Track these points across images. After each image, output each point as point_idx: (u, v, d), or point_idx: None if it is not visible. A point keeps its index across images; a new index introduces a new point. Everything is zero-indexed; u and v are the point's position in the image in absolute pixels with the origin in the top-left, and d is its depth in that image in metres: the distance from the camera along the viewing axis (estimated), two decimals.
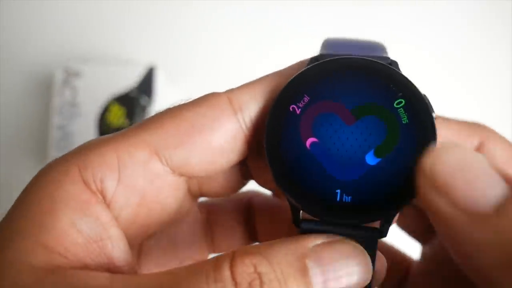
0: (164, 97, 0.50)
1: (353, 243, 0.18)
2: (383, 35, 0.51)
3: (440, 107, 0.22)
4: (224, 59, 0.53)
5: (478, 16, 0.52)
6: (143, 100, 0.49)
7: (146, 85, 0.49)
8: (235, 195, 0.27)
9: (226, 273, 0.16)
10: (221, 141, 0.20)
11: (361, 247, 0.18)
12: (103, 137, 0.21)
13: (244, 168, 0.24)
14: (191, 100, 0.21)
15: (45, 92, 0.53)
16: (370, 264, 0.18)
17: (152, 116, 0.21)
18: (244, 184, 0.26)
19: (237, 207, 0.27)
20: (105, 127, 0.48)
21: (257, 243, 0.18)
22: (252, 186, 0.26)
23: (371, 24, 0.53)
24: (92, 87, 0.49)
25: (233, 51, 0.53)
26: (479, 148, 0.21)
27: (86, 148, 0.20)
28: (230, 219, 0.27)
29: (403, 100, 0.19)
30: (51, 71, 0.51)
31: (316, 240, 0.18)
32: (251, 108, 0.21)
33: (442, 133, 0.20)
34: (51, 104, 0.49)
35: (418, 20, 0.53)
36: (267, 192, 0.27)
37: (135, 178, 0.20)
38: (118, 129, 0.48)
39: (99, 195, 0.19)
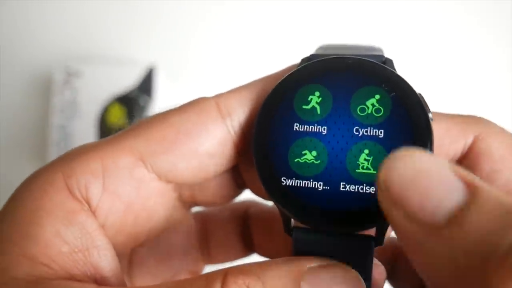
0: (164, 97, 0.50)
1: (349, 267, 0.18)
2: (385, 32, 0.51)
3: (440, 105, 0.22)
4: (224, 59, 0.53)
5: (478, 13, 0.52)
6: (143, 100, 0.49)
7: (146, 85, 0.49)
8: (231, 205, 0.27)
9: None
10: (208, 147, 0.20)
11: (356, 273, 0.18)
12: (88, 144, 0.20)
13: (237, 176, 0.24)
14: (179, 105, 0.21)
15: (45, 92, 0.53)
16: None
17: (139, 122, 0.20)
18: (239, 193, 0.25)
19: (233, 217, 0.27)
20: (105, 127, 0.48)
21: (250, 262, 0.17)
22: (249, 196, 0.25)
23: (370, 21, 0.53)
24: (92, 87, 0.49)
25: (234, 51, 0.53)
26: (473, 144, 0.20)
27: (71, 156, 0.20)
28: (226, 229, 0.27)
29: None
30: (51, 71, 0.50)
31: (311, 263, 0.17)
32: (239, 113, 0.20)
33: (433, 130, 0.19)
34: (51, 104, 0.49)
35: (417, 17, 0.53)
36: (265, 201, 0.26)
37: (120, 185, 0.19)
38: (118, 129, 0.48)
39: (84, 203, 0.19)
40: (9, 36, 0.54)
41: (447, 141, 0.20)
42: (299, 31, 0.52)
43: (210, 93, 0.22)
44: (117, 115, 0.48)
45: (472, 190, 0.13)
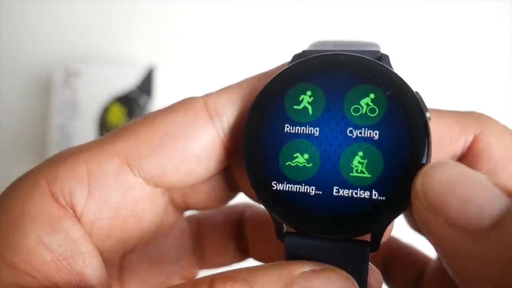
0: (164, 97, 0.50)
1: (343, 272, 0.17)
2: (381, 28, 0.51)
3: (439, 102, 0.21)
4: (224, 59, 0.53)
5: (479, 12, 0.52)
6: (143, 100, 0.49)
7: (146, 85, 0.49)
8: (226, 208, 0.26)
9: None
10: (197, 149, 0.19)
11: (351, 278, 0.17)
12: (74, 147, 0.20)
13: (230, 179, 0.23)
14: (168, 106, 0.20)
15: (45, 92, 0.52)
16: None
17: (126, 124, 0.20)
18: (232, 196, 0.24)
19: (228, 220, 0.26)
20: (105, 127, 0.48)
21: (240, 268, 0.16)
22: (244, 198, 0.25)
23: (366, 17, 0.53)
24: (92, 87, 0.49)
25: (234, 50, 0.53)
26: (473, 143, 0.19)
27: (55, 160, 0.19)
28: (220, 233, 0.26)
29: None
30: (51, 71, 0.50)
31: (303, 267, 0.17)
32: (228, 113, 0.20)
33: (432, 129, 0.18)
34: (51, 104, 0.49)
35: (416, 15, 0.53)
36: (259, 204, 0.25)
37: (106, 190, 0.19)
38: None
39: (69, 209, 0.18)
40: (9, 36, 0.54)
41: (447, 140, 0.19)
42: (299, 30, 0.52)
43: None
44: (117, 115, 0.48)
45: (510, 194, 0.14)
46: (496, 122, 0.19)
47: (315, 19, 0.53)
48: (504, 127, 0.19)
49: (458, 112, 0.20)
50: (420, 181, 0.14)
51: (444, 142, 0.19)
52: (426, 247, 0.27)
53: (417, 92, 0.18)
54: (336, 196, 0.17)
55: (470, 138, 0.19)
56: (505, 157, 0.19)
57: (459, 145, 0.19)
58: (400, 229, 0.26)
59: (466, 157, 0.19)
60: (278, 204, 0.18)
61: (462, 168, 0.14)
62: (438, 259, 0.26)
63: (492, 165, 0.19)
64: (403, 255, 0.26)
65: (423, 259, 0.26)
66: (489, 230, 0.13)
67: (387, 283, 0.27)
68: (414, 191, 0.15)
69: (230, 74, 0.52)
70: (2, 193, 0.19)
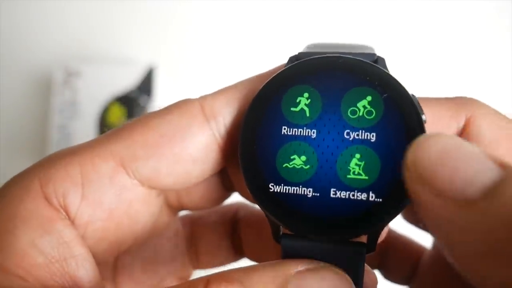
0: (164, 97, 0.50)
1: (338, 270, 0.17)
2: (376, 29, 0.51)
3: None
4: (224, 59, 0.53)
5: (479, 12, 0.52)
6: (143, 100, 0.49)
7: (146, 85, 0.49)
8: (220, 208, 0.26)
9: None
10: (192, 151, 0.19)
11: (346, 275, 0.17)
12: (67, 148, 0.19)
13: (225, 179, 0.23)
14: (163, 107, 0.20)
15: (45, 92, 0.53)
16: None
17: (121, 126, 0.19)
18: (227, 196, 0.24)
19: (222, 220, 0.26)
20: (105, 127, 0.48)
21: (235, 268, 0.16)
22: (238, 198, 0.25)
23: (362, 19, 0.53)
24: (92, 87, 0.49)
25: (233, 50, 0.53)
26: (465, 127, 0.19)
27: (48, 161, 0.19)
28: (214, 233, 0.26)
29: None
30: (51, 71, 0.51)
31: (298, 266, 0.17)
32: (225, 115, 0.19)
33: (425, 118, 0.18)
34: (51, 104, 0.49)
35: (414, 15, 0.53)
36: (254, 204, 0.25)
37: (100, 193, 0.18)
38: None
39: (62, 212, 0.18)
40: (10, 37, 0.54)
41: (440, 126, 0.19)
42: (299, 28, 0.52)
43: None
44: (117, 115, 0.48)
45: (504, 167, 0.13)
46: (487, 105, 0.19)
47: (312, 21, 0.53)
48: (495, 110, 0.19)
49: (448, 98, 0.20)
50: (411, 152, 0.14)
51: (437, 129, 0.19)
52: (420, 239, 0.27)
53: (413, 95, 0.18)
54: (333, 198, 0.17)
55: (462, 123, 0.19)
56: (496, 138, 0.19)
57: (451, 131, 0.19)
58: (396, 222, 0.26)
59: None
60: (275, 206, 0.18)
61: (455, 139, 0.14)
62: (433, 248, 0.26)
63: (483, 147, 0.18)
64: (399, 246, 0.27)
65: (418, 249, 0.27)
66: (478, 200, 0.13)
67: (384, 274, 0.27)
68: (405, 162, 0.15)
69: (230, 74, 0.52)
70: None
